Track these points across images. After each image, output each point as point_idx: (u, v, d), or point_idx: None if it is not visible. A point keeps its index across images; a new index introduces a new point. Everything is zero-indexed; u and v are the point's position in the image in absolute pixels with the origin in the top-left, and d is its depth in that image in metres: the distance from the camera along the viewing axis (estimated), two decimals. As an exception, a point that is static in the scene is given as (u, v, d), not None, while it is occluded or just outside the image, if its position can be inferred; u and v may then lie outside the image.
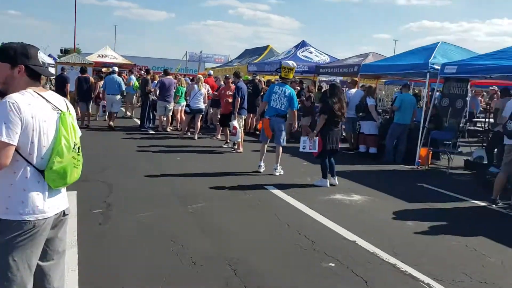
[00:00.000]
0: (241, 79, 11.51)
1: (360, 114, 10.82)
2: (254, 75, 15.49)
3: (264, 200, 6.51)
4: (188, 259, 4.27)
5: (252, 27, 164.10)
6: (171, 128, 14.55)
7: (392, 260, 4.47)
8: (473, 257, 4.70)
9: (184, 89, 13.74)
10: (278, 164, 8.44)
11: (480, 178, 8.95)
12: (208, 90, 13.67)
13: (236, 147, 10.96)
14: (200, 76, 13.51)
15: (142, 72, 17.33)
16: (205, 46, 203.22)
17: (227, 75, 13.21)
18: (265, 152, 8.60)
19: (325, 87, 18.53)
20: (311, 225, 5.48)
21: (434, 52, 10.71)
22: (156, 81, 14.42)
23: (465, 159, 10.50)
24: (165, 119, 14.17)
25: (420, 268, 4.29)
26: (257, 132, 14.42)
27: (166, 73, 14.09)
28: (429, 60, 10.29)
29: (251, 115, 14.09)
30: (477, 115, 18.23)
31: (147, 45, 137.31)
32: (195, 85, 12.51)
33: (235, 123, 10.50)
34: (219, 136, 12.75)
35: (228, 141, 11.55)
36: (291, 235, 5.08)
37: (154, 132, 13.65)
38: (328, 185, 7.55)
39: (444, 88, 11.88)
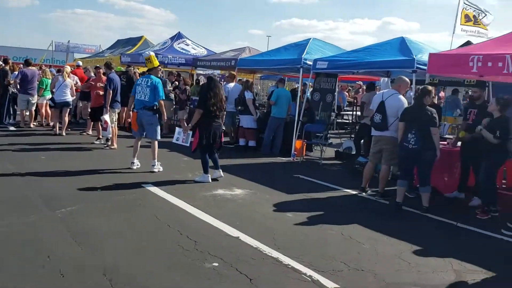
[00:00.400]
0: (113, 70, 10.82)
1: (239, 108, 10.86)
2: (128, 66, 14.72)
3: (142, 200, 6.14)
4: (57, 271, 3.79)
5: (125, 18, 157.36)
6: (34, 123, 13.18)
7: (275, 254, 4.47)
8: (349, 245, 4.91)
9: (49, 81, 12.54)
10: (156, 160, 8.09)
11: (350, 167, 9.56)
12: (76, 82, 12.65)
13: (109, 143, 10.27)
14: (67, 66, 12.42)
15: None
16: (74, 36, 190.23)
17: (98, 66, 12.33)
18: (138, 148, 8.20)
19: (202, 80, 18.35)
20: (193, 224, 5.27)
21: (306, 48, 11.16)
22: (16, 72, 12.95)
23: (335, 150, 11.14)
24: (27, 114, 12.79)
25: (302, 260, 4.35)
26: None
27: (27, 63, 12.70)
28: (302, 56, 10.69)
29: (125, 108, 13.31)
30: (344, 108, 19.66)
31: (7, 33, 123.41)
32: (60, 77, 11.48)
33: (106, 117, 9.82)
34: (90, 132, 11.88)
35: (100, 136, 10.80)
36: (172, 236, 4.82)
37: (15, 129, 12.25)
38: (210, 180, 7.41)
39: (315, 83, 12.49)
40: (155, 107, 7.86)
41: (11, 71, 13.16)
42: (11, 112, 13.26)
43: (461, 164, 7.36)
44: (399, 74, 11.78)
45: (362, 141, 10.27)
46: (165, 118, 8.19)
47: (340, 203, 6.76)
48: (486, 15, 13.41)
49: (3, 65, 12.86)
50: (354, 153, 10.67)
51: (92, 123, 11.53)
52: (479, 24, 13.23)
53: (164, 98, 8.13)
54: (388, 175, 7.06)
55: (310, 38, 12.02)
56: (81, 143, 10.64)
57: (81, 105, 13.44)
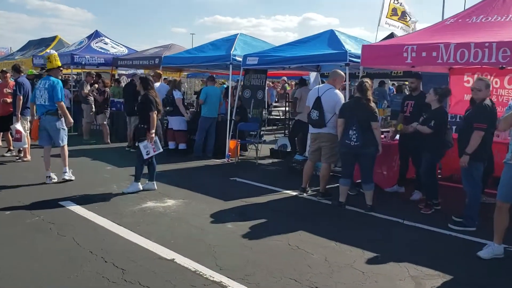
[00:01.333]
0: (22, 74, 9.66)
1: (168, 108, 10.14)
2: (42, 69, 13.41)
3: (59, 221, 5.31)
4: None
5: (39, 18, 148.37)
6: None
7: (218, 277, 3.92)
8: (297, 256, 4.47)
9: None
10: (67, 167, 7.47)
11: (287, 166, 9.22)
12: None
13: (21, 154, 9.17)
14: None
15: None
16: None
17: (4, 70, 11.01)
18: (50, 158, 7.38)
19: (125, 80, 17.33)
20: (120, 247, 4.58)
21: (234, 44, 10.66)
22: None
23: (270, 148, 10.77)
24: None
25: (249, 281, 3.84)
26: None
27: None
28: (231, 52, 10.18)
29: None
30: (273, 104, 19.43)
31: None
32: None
33: (18, 126, 8.70)
34: None
35: (11, 148, 9.63)
36: (95, 265, 4.10)
37: None
38: (141, 188, 6.73)
39: (245, 80, 12.04)
40: (58, 111, 7.23)
41: None
42: None
43: (400, 157, 7.23)
44: (331, 68, 11.76)
45: (297, 138, 9.99)
46: (71, 122, 7.47)
47: (282, 207, 6.33)
48: (410, 18, 13.77)
49: None
50: (290, 150, 10.37)
51: (1, 133, 10.27)
52: (405, 21, 13.48)
53: (63, 99, 7.35)
54: (329, 173, 6.74)
55: (238, 34, 11.53)
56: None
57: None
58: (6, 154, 9.61)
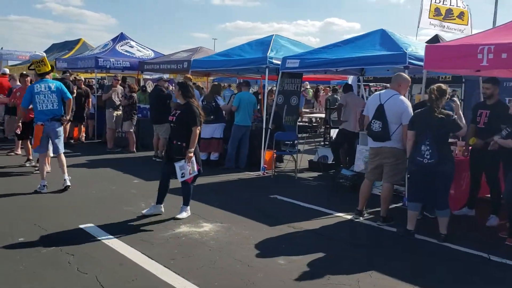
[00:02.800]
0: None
1: (212, 117, 9.27)
2: (64, 72, 12.76)
3: (79, 252, 4.47)
4: None
5: (64, 24, 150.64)
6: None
7: None
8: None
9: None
10: (66, 174, 7.07)
11: (330, 180, 8.29)
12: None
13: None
14: None
15: None
16: (9, 44, 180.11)
17: (24, 73, 10.37)
18: (47, 167, 7.31)
19: (150, 86, 16.63)
20: (153, 290, 3.71)
21: (270, 46, 9.79)
22: None
23: (308, 159, 9.82)
24: None
25: None
26: (72, 142, 11.89)
27: None
28: (267, 54, 9.31)
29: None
30: (303, 110, 18.48)
31: None
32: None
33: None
34: (19, 151, 9.92)
35: (31, 158, 8.92)
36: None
37: None
38: (162, 211, 5.81)
39: (279, 85, 11.17)
40: (62, 116, 7.03)
41: None
42: None
43: (471, 176, 6.21)
44: (373, 72, 10.79)
45: (341, 149, 9.02)
46: (67, 119, 7.32)
47: (338, 235, 5.38)
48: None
49: None
50: (331, 162, 9.42)
51: (20, 141, 9.59)
52: (453, 19, 12.40)
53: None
54: (391, 195, 5.76)
55: (273, 35, 10.65)
56: (8, 166, 8.72)
57: (6, 119, 11.36)
58: (26, 164, 8.90)
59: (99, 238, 4.90)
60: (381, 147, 5.58)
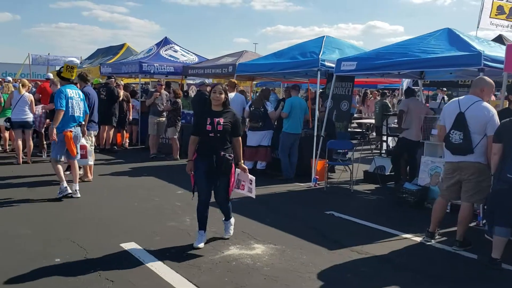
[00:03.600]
0: (89, 84, 8.63)
1: (260, 124, 8.76)
2: (109, 78, 12.57)
3: (119, 277, 3.97)
4: None
5: (110, 30, 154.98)
6: (-4, 149, 11.02)
7: None
8: None
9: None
10: (77, 185, 6.92)
11: (388, 194, 7.58)
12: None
13: (81, 173, 8.14)
14: (25, 80, 10.21)
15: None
16: (58, 50, 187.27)
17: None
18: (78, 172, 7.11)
19: (193, 91, 16.28)
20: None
21: (321, 48, 9.14)
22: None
23: (364, 170, 9.07)
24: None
25: None
26: (115, 148, 11.63)
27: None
28: (319, 56, 8.67)
29: (106, 127, 11.24)
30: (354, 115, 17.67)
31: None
32: (15, 91, 9.41)
33: (83, 140, 7.67)
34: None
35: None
36: None
37: (-31, 157, 10.08)
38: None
39: (327, 89, 10.51)
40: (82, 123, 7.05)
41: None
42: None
43: None
44: (434, 75, 9.90)
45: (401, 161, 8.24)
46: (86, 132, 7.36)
47: (411, 263, 4.66)
48: None
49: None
50: (389, 173, 8.65)
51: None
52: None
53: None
54: (471, 216, 4.99)
55: (324, 36, 10.00)
56: (49, 173, 8.46)
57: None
58: (66, 173, 8.63)
59: (141, 261, 4.40)
60: (461, 162, 4.82)
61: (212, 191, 4.87)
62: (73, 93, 6.82)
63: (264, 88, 11.07)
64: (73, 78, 7.06)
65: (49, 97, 10.15)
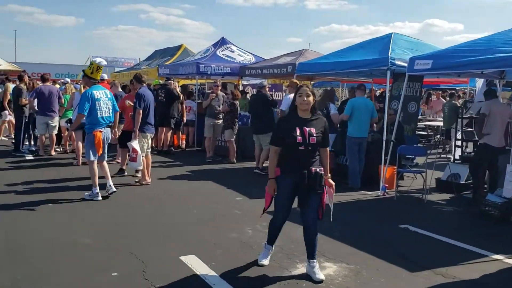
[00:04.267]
0: (144, 85, 8.45)
1: None
2: (167, 79, 12.48)
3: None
4: None
5: (166, 32, 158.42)
6: (58, 150, 11.16)
7: None
8: None
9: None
10: (110, 180, 6.90)
11: (467, 205, 6.88)
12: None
13: (139, 175, 7.99)
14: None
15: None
16: (117, 52, 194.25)
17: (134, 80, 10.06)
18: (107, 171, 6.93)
19: (251, 91, 15.97)
20: None
21: (390, 45, 8.50)
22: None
23: (436, 177, 8.33)
24: (48, 138, 10.77)
25: None
26: (172, 149, 11.51)
27: (44, 79, 10.66)
28: (388, 55, 8.04)
29: (164, 128, 11.13)
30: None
31: (53, 51, 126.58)
32: (77, 93, 9.44)
33: (135, 144, 7.50)
34: (120, 160, 9.63)
35: (124, 167, 8.56)
36: None
37: (32, 157, 10.23)
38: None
39: (393, 89, 9.82)
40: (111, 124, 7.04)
41: (29, 89, 11.22)
42: (31, 136, 11.33)
43: None
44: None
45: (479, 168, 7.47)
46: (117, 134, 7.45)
47: (507, 291, 4.04)
48: None
49: (18, 82, 10.92)
50: (465, 182, 7.89)
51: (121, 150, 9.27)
52: None
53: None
54: None
55: (391, 33, 9.32)
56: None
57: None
58: (124, 174, 8.53)
59: (201, 276, 4.06)
60: None
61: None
62: (100, 93, 6.76)
63: (328, 88, 10.54)
64: (98, 77, 7.08)
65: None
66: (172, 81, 11.63)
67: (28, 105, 10.53)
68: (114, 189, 6.80)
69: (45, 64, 36.33)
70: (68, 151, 11.06)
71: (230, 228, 5.52)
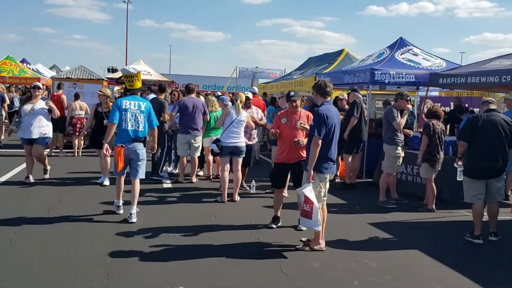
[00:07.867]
0: (329, 98, 5.64)
1: None
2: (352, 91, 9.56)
3: None
4: None
5: (306, 45, 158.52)
6: (200, 175, 9.19)
7: None
8: None
9: (218, 114, 8.44)
10: (135, 206, 5.97)
11: None
12: (262, 117, 8.24)
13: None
14: (242, 94, 7.84)
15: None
16: (259, 65, 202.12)
17: (294, 94, 7.47)
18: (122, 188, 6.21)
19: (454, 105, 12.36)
20: None
21: None
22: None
23: None
24: (189, 162, 8.83)
25: None
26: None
27: (189, 90, 8.65)
28: None
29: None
30: None
31: (202, 65, 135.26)
32: (233, 110, 7.17)
33: (307, 191, 4.83)
34: (286, 194, 7.05)
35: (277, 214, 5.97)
36: None
37: (170, 185, 8.33)
38: None
39: None
40: (145, 139, 6.28)
41: (172, 100, 9.46)
42: (172, 158, 9.55)
43: None
44: None
45: None
46: (155, 148, 6.63)
47: None
48: None
49: (159, 93, 9.13)
50: None
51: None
52: None
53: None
54: None
55: None
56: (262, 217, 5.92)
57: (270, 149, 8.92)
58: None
59: None
60: None
61: None
62: (129, 103, 6.08)
63: None
64: (134, 88, 6.29)
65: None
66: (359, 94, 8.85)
67: (168, 120, 8.64)
68: (134, 220, 5.85)
69: (193, 76, 36.79)
70: (211, 177, 9.00)
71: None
